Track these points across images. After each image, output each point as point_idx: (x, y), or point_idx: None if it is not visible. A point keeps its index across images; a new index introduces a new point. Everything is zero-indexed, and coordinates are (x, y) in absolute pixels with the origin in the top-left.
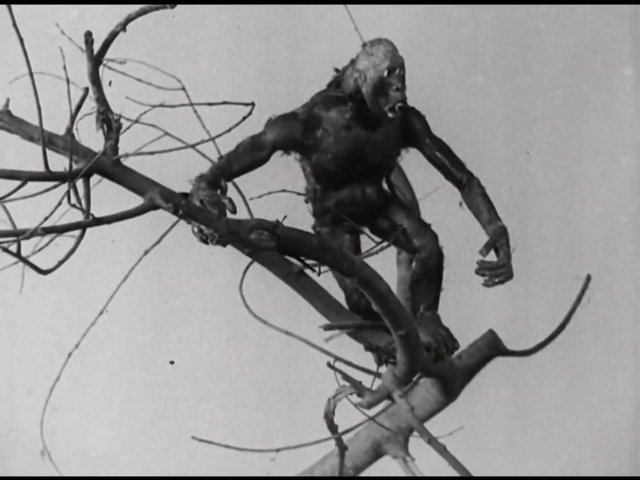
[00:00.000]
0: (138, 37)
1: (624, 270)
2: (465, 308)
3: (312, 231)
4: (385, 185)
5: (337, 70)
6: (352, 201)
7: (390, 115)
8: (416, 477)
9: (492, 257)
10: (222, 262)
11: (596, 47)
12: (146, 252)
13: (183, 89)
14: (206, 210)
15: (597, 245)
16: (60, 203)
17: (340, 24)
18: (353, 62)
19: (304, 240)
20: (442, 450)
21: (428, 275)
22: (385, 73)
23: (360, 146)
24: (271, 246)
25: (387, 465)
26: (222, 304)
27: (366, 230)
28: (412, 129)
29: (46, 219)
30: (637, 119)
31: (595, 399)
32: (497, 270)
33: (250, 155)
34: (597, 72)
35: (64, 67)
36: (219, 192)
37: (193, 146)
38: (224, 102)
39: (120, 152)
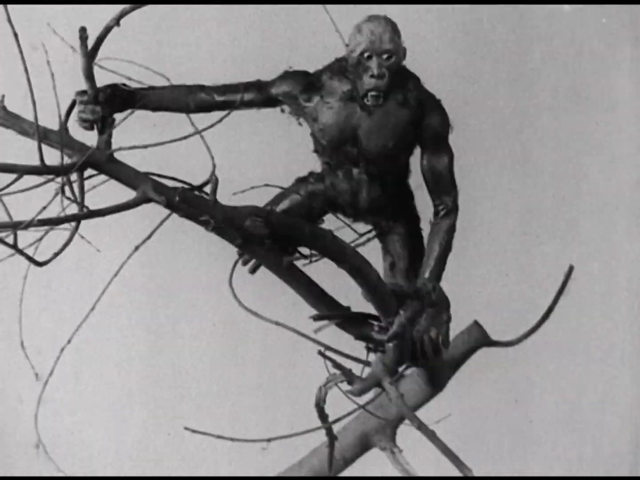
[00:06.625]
0: (131, 36)
1: (622, 265)
2: (452, 299)
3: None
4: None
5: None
6: (342, 191)
7: (366, 102)
8: (411, 477)
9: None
10: (215, 255)
11: (596, 47)
12: (136, 248)
13: None
14: (202, 198)
15: (595, 240)
16: (56, 195)
17: (339, 23)
18: None
19: (296, 227)
20: (432, 436)
21: None
22: (366, 55)
23: (353, 126)
24: (264, 232)
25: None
26: (215, 296)
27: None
28: (424, 124)
29: (44, 209)
30: (637, 118)
31: (593, 395)
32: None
33: (248, 88)
34: (597, 73)
35: (48, 62)
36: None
37: (182, 139)
38: None
39: (114, 146)
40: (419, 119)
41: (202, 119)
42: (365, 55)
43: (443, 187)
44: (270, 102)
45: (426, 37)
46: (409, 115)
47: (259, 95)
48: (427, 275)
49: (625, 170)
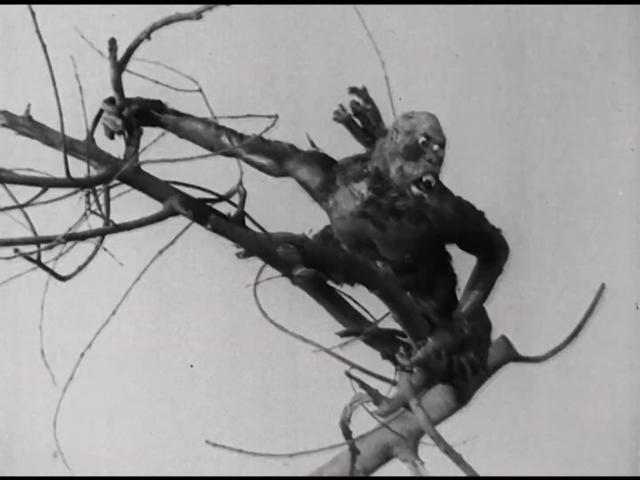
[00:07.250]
0: (155, 39)
1: (626, 275)
2: None
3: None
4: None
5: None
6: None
7: (413, 190)
8: (423, 477)
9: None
10: (230, 265)
11: (596, 46)
12: (160, 252)
13: (200, 90)
14: (236, 226)
15: (599, 252)
16: (85, 214)
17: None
18: (386, 132)
19: (331, 255)
20: (459, 460)
21: None
22: (423, 138)
23: (366, 237)
24: (297, 260)
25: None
26: (233, 308)
27: None
28: (447, 231)
29: (70, 229)
30: (637, 123)
31: (594, 395)
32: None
33: (269, 154)
34: (597, 74)
35: (76, 76)
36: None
37: (205, 156)
38: (249, 115)
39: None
40: (439, 229)
41: None
42: (422, 140)
43: (489, 248)
44: (287, 174)
45: (425, 38)
46: (426, 228)
47: (279, 168)
48: (464, 309)
49: (624, 171)
